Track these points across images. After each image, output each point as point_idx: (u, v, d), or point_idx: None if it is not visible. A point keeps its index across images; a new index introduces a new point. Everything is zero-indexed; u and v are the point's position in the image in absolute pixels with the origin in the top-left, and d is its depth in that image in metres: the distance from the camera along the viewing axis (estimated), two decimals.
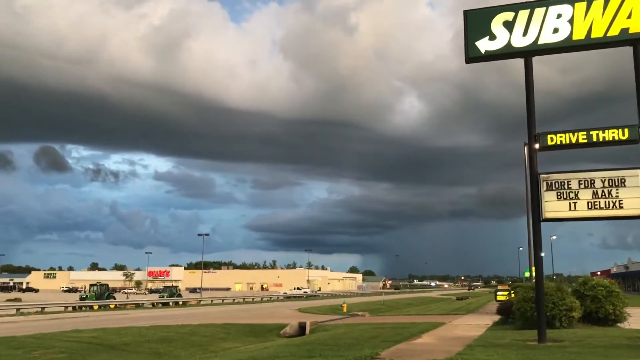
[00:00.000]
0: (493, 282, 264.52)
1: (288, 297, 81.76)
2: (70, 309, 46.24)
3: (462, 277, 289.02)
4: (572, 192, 14.37)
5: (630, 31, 14.25)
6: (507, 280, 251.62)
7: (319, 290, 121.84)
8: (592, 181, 14.23)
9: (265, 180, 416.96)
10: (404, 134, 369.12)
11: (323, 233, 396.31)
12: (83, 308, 47.36)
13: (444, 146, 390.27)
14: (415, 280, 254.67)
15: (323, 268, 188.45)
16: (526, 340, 14.40)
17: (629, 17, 14.31)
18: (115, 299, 56.56)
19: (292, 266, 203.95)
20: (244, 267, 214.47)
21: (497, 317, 25.49)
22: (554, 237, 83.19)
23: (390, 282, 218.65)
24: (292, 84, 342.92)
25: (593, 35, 14.55)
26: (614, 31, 14.38)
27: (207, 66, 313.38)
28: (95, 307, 48.18)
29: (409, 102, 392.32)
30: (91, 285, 57.67)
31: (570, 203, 14.35)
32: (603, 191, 14.11)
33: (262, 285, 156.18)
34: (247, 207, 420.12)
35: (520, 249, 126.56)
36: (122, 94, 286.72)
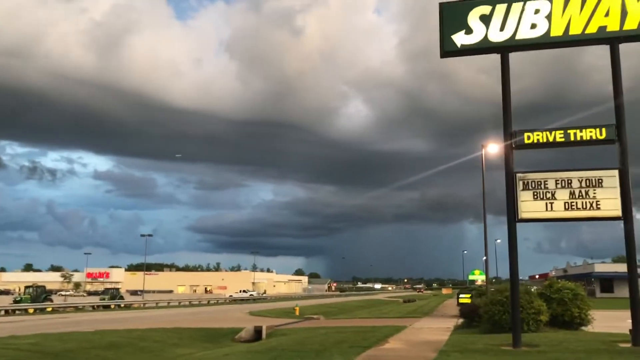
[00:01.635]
0: (434, 285, 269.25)
1: (234, 300, 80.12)
2: (2, 312, 43.46)
3: (406, 280, 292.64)
4: (549, 192, 14.00)
5: (608, 29, 14.05)
6: (448, 283, 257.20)
7: (265, 293, 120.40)
8: (570, 181, 13.90)
9: (210, 181, 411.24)
10: (350, 137, 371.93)
11: (268, 235, 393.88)
12: (17, 312, 44.64)
13: (389, 150, 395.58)
14: (359, 283, 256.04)
15: (268, 270, 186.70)
16: (500, 345, 13.91)
17: (607, 15, 14.09)
18: (52, 301, 53.71)
19: (236, 268, 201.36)
20: (187, 269, 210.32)
21: (456, 320, 25.21)
22: (499, 241, 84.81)
23: (335, 284, 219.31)
24: (237, 84, 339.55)
25: (571, 32, 14.27)
26: (592, 29, 14.13)
27: (150, 63, 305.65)
28: (31, 311, 45.53)
29: (354, 106, 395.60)
30: (26, 287, 54.46)
31: (547, 203, 13.97)
32: (580, 191, 13.79)
33: (205, 288, 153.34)
34: (190, 208, 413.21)
35: (465, 252, 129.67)
36: (61, 90, 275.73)
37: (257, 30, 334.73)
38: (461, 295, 28.42)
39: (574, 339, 14.82)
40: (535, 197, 14.04)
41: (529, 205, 14.06)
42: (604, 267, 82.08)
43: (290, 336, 19.89)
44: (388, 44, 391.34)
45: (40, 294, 52.36)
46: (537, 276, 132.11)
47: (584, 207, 13.71)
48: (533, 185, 14.10)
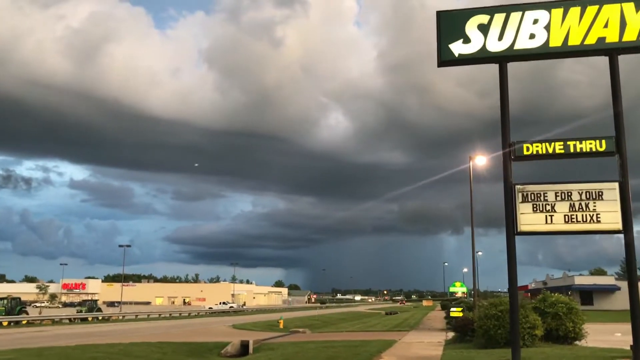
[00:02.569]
0: (413, 297, 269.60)
1: (213, 312, 78.96)
2: None
3: (385, 292, 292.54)
4: (548, 205, 13.67)
5: (607, 40, 13.82)
6: (427, 295, 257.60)
7: (244, 305, 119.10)
8: (569, 193, 13.60)
9: (187, 191, 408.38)
10: (329, 149, 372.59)
11: (247, 246, 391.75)
12: None
13: (368, 162, 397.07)
14: (338, 294, 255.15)
15: (248, 282, 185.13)
16: None
17: (606, 26, 13.89)
18: (28, 313, 52.32)
19: (215, 280, 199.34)
20: (165, 280, 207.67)
21: (445, 334, 24.86)
22: (480, 253, 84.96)
23: (315, 296, 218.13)
24: (216, 94, 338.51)
25: (570, 43, 14.03)
26: (591, 40, 13.92)
27: (128, 72, 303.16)
28: (5, 324, 44.05)
29: (334, 118, 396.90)
30: (0, 298, 52.90)
31: (546, 216, 13.64)
32: (580, 204, 13.49)
33: (184, 300, 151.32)
34: (168, 218, 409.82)
35: (446, 264, 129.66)
36: (37, 98, 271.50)
37: (236, 41, 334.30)
38: (452, 309, 28.07)
39: (573, 355, 14.53)
40: (535, 209, 13.71)
41: (528, 218, 13.71)
42: (583, 280, 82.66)
43: (278, 351, 19.34)
44: (367, 56, 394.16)
45: (15, 306, 50.92)
46: None
47: (584, 220, 13.41)
48: (532, 198, 13.77)
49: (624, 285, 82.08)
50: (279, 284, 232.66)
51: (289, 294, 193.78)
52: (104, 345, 21.11)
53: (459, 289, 54.88)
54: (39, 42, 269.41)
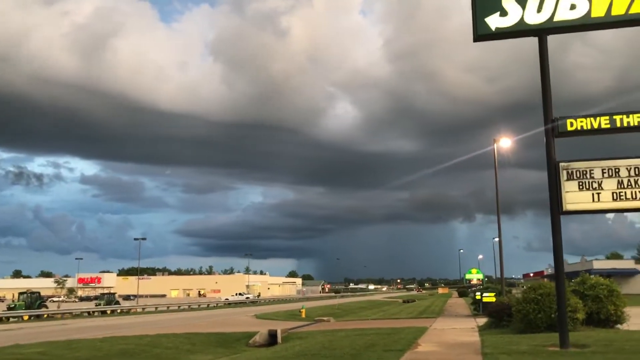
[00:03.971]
0: (426, 284, 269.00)
1: (230, 304, 78.90)
2: None
3: (399, 280, 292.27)
4: (595, 182, 13.13)
5: None
6: (440, 282, 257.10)
7: (259, 295, 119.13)
8: (617, 170, 13.03)
9: (197, 184, 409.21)
10: (337, 138, 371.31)
11: (258, 237, 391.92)
12: (11, 319, 43.21)
13: (377, 151, 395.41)
14: (351, 284, 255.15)
15: (262, 273, 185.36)
16: (544, 346, 13.04)
17: None
18: (47, 307, 52.45)
19: (229, 271, 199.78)
20: (179, 272, 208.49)
21: (474, 320, 24.39)
22: (496, 240, 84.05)
23: (328, 285, 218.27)
24: (223, 86, 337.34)
25: (614, 13, 13.37)
26: (637, 8, 13.23)
27: (135, 67, 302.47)
28: (26, 318, 44.17)
29: (342, 108, 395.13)
30: (20, 293, 53.02)
31: (593, 194, 13.10)
32: (629, 180, 12.93)
33: (199, 292, 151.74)
34: (178, 211, 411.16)
35: (461, 250, 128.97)
36: (46, 94, 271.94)
37: (242, 33, 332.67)
38: (485, 294, 27.58)
39: (622, 338, 13.99)
40: (581, 187, 13.17)
41: (574, 197, 13.17)
42: (602, 264, 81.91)
43: (309, 340, 18.94)
44: (374, 44, 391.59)
45: (34, 301, 51.04)
46: (531, 274, 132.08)
47: (634, 197, 12.86)
48: (578, 175, 13.22)
49: None
50: (292, 274, 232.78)
51: (303, 284, 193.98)
52: (131, 337, 20.83)
53: (474, 276, 54.35)
54: (45, 39, 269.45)
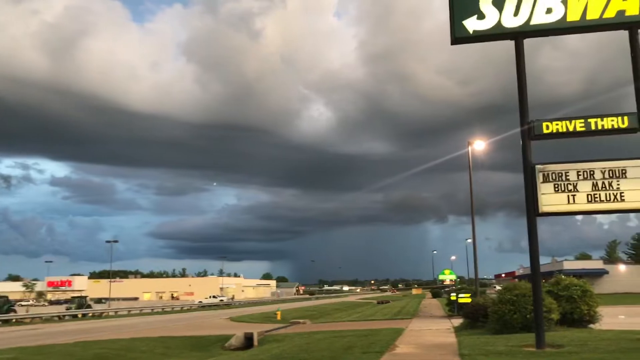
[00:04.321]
0: (399, 285, 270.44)
1: (204, 306, 78.13)
2: None
3: (372, 282, 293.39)
4: (570, 184, 13.30)
5: (627, 14, 13.45)
6: (414, 283, 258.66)
7: (233, 298, 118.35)
8: (592, 172, 13.22)
9: (170, 186, 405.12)
10: (311, 140, 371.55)
11: (232, 240, 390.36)
12: None
13: (351, 153, 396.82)
14: (325, 285, 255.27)
15: (236, 275, 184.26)
16: (521, 346, 13.18)
17: None
18: (16, 312, 51.19)
19: (202, 274, 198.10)
20: (152, 275, 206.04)
21: (449, 321, 24.57)
22: (469, 241, 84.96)
23: (303, 287, 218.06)
24: (196, 87, 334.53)
25: (588, 17, 13.63)
26: (610, 13, 13.53)
27: (106, 67, 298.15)
28: None
29: (316, 109, 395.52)
30: None
31: (568, 196, 13.27)
32: (603, 183, 13.14)
33: (172, 295, 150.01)
34: (151, 213, 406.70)
35: (435, 252, 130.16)
36: (14, 94, 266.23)
37: (215, 33, 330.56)
38: (460, 295, 27.79)
39: (596, 337, 14.19)
40: (557, 189, 13.34)
41: (549, 199, 13.34)
42: (572, 265, 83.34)
43: (286, 342, 18.83)
44: (348, 46, 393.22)
45: (2, 305, 49.79)
46: (503, 275, 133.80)
47: (608, 199, 13.06)
48: (554, 177, 13.39)
49: (611, 269, 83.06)
50: (266, 276, 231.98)
51: (277, 286, 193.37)
52: (105, 341, 20.47)
53: (447, 277, 54.78)
54: (13, 38, 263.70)
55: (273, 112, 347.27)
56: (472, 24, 14.17)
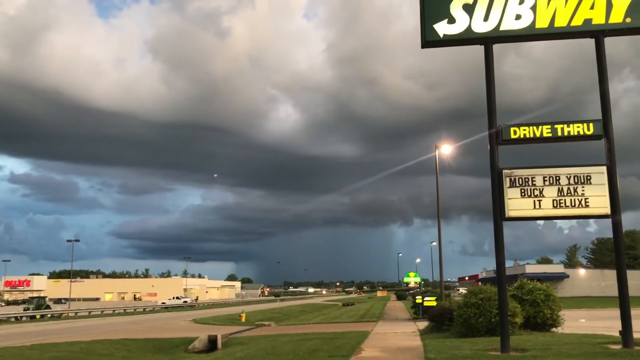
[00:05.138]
0: (365, 287, 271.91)
1: (167, 308, 76.98)
2: None
3: (338, 283, 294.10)
4: (536, 189, 13.43)
5: (594, 22, 13.68)
6: (379, 286, 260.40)
7: (197, 299, 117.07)
8: (558, 178, 13.38)
9: (134, 185, 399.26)
10: (279, 141, 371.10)
11: (197, 240, 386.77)
12: None
13: (318, 155, 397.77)
14: (291, 287, 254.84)
15: (200, 276, 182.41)
16: (486, 350, 13.22)
17: (592, 7, 13.73)
18: None
19: (166, 275, 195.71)
20: (114, 275, 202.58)
21: (414, 324, 24.63)
22: (434, 244, 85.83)
23: (268, 289, 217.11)
24: (162, 86, 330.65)
25: (557, 24, 13.82)
26: (578, 21, 13.74)
27: (69, 62, 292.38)
28: None
29: (284, 110, 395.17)
30: None
31: (535, 201, 13.40)
32: (569, 188, 13.30)
33: (134, 295, 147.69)
34: (114, 213, 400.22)
35: (400, 254, 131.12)
36: None
37: (182, 31, 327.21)
38: (426, 298, 27.90)
39: (559, 341, 14.33)
40: (523, 194, 13.45)
41: (516, 203, 13.45)
42: (533, 268, 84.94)
43: (250, 345, 18.58)
44: (316, 48, 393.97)
45: None
46: (467, 278, 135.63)
47: (573, 204, 13.23)
48: (520, 182, 13.50)
49: (571, 273, 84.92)
50: (231, 277, 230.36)
51: (242, 288, 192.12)
52: (63, 343, 19.84)
53: (412, 279, 55.21)
54: None
55: (240, 113, 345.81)
56: (442, 28, 14.21)
